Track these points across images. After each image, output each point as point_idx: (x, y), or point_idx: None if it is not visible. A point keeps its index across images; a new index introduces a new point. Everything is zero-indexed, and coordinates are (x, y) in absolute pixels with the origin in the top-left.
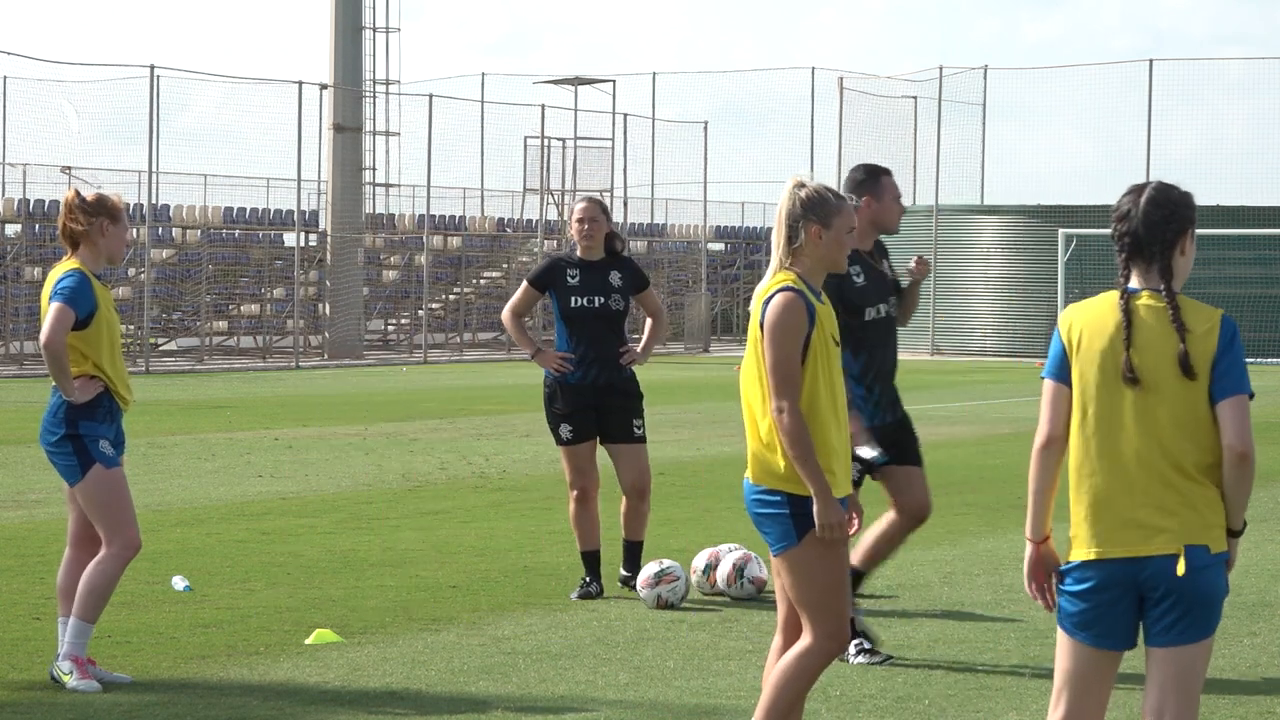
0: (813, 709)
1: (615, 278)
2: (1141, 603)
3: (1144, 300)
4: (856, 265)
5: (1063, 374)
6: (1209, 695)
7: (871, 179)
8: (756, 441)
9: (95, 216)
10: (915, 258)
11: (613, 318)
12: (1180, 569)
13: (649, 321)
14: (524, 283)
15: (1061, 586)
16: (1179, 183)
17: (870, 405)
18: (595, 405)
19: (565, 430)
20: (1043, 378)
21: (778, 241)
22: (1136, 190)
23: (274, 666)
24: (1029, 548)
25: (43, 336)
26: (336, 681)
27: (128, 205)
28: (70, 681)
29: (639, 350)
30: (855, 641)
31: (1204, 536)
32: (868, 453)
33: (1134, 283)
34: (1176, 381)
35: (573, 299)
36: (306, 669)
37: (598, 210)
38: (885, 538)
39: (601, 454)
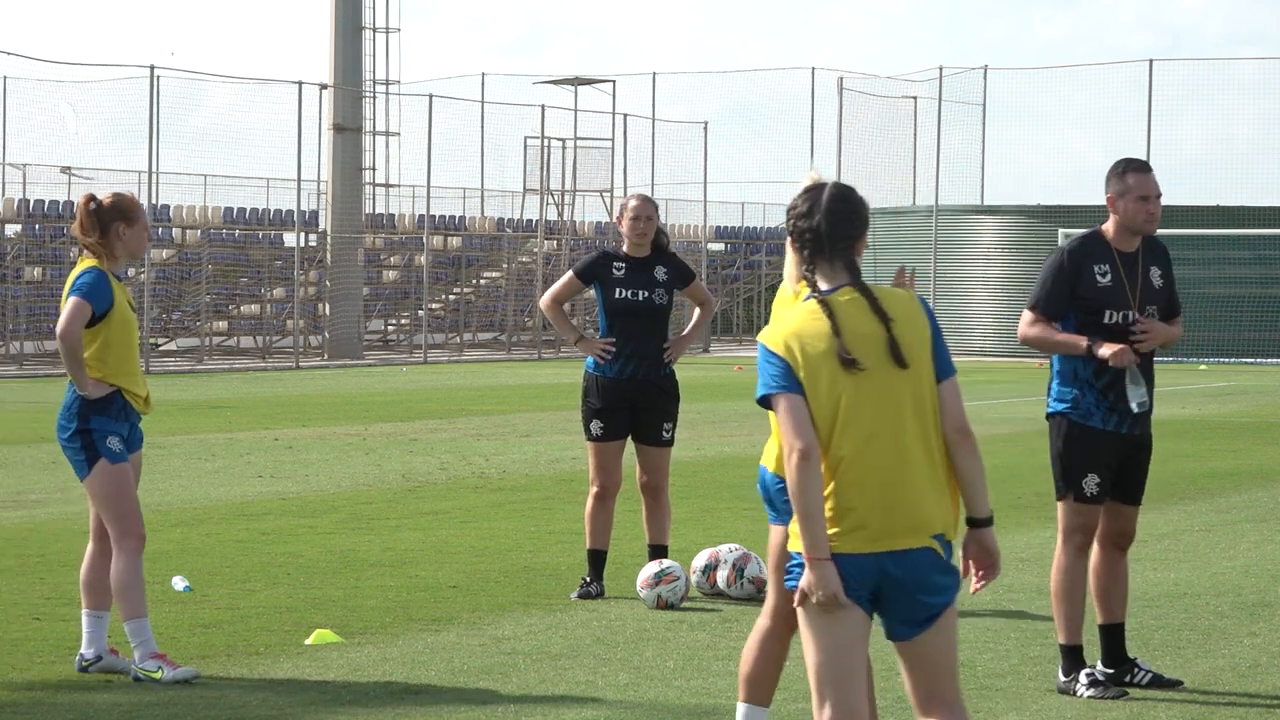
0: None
1: (660, 273)
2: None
3: (844, 296)
4: (1105, 264)
5: (794, 385)
6: (1210, 695)
7: (1114, 176)
8: None
9: (111, 223)
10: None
11: (655, 313)
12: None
13: (696, 310)
14: (569, 272)
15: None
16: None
17: (1103, 410)
18: (630, 402)
19: (595, 426)
20: (772, 393)
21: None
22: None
23: (274, 666)
24: (824, 566)
25: (59, 327)
26: (336, 681)
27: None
28: (163, 676)
29: (683, 336)
30: (1087, 672)
31: (943, 525)
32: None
33: (822, 284)
34: (890, 371)
35: (617, 291)
36: (306, 669)
37: (652, 209)
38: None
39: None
